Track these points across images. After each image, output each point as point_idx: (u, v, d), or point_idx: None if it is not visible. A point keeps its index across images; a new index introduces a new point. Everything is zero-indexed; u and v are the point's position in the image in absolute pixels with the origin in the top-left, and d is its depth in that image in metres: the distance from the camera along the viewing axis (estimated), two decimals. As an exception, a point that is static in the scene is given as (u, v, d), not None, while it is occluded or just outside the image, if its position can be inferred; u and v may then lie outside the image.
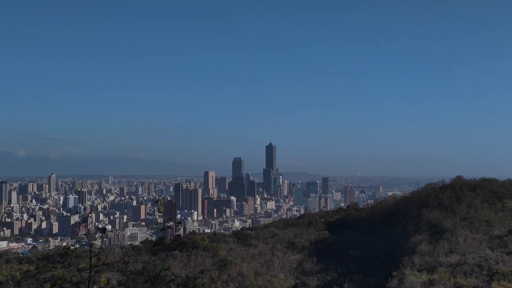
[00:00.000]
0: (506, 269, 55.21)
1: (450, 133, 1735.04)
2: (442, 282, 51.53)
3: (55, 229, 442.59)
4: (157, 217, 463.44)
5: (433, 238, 75.75)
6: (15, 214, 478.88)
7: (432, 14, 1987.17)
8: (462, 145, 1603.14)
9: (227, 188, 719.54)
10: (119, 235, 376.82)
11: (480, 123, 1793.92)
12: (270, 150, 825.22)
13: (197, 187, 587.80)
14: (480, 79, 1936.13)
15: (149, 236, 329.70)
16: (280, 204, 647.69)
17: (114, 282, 42.90)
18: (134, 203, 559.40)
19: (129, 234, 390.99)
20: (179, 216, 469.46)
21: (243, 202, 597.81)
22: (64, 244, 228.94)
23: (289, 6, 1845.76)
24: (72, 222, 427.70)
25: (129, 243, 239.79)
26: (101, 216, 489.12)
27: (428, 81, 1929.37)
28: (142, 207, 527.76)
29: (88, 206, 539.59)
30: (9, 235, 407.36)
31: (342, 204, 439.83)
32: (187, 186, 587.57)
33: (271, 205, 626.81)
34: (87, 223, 14.93)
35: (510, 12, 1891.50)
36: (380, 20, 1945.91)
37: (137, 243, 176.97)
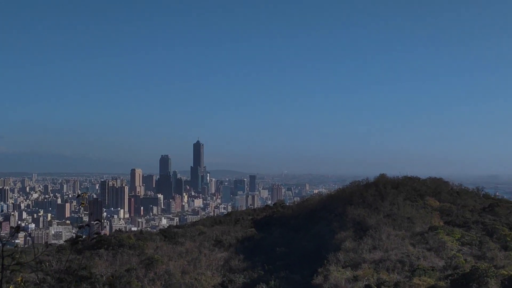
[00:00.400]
0: (426, 264, 56.88)
1: (373, 131, 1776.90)
2: (366, 278, 52.52)
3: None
4: (82, 215, 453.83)
5: (357, 235, 77.20)
6: None
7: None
8: (384, 143, 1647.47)
9: (154, 185, 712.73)
10: (44, 234, 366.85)
11: (403, 121, 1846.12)
12: (197, 148, 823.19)
13: (123, 185, 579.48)
14: (393, 77, 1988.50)
15: (73, 235, 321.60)
16: (208, 201, 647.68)
17: (33, 281, 41.34)
18: (59, 201, 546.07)
19: (53, 232, 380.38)
20: (105, 214, 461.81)
21: (170, 200, 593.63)
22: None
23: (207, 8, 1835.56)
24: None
25: (53, 242, 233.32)
26: (24, 215, 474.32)
27: (349, 77, 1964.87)
28: (67, 205, 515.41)
29: (10, 204, 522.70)
30: None
31: (269, 202, 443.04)
32: (113, 184, 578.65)
33: (198, 203, 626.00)
34: (9, 221, 14.15)
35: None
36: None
37: (61, 241, 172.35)
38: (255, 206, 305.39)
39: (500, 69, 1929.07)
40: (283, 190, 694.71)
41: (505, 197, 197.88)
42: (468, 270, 47.35)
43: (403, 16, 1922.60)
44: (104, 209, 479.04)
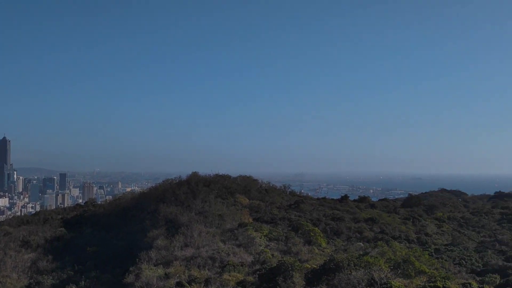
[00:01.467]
0: (236, 260, 58.27)
1: (184, 129, 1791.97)
2: (177, 275, 52.47)
3: None
4: None
5: (169, 232, 77.06)
6: None
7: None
8: (197, 141, 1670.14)
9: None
10: None
11: (213, 118, 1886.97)
12: (3, 144, 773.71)
13: None
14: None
15: None
16: (14, 201, 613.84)
17: None
18: None
19: None
20: None
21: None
22: None
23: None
24: None
25: None
26: None
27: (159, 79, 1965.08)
28: None
29: None
30: None
31: (80, 201, 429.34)
32: None
33: (4, 202, 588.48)
34: None
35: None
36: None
37: None
38: (66, 205, 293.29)
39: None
40: (95, 189, 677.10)
41: (309, 194, 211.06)
42: (275, 265, 49.16)
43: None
44: None
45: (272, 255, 61.93)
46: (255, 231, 75.77)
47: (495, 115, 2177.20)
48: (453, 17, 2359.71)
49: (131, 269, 60.87)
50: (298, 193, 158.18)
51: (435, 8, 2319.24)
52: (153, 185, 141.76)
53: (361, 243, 78.69)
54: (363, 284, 39.42)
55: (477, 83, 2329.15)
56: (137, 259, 64.81)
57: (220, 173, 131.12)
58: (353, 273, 42.05)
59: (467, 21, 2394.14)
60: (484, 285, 46.09)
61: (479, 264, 79.30)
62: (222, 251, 63.15)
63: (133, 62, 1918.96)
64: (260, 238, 72.52)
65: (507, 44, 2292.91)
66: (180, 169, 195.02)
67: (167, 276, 53.21)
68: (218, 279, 49.74)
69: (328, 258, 51.74)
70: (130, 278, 56.34)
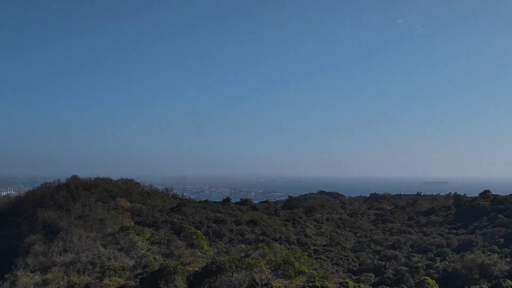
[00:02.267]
0: (117, 264, 57.45)
1: (73, 131, 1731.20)
2: (56, 281, 51.04)
3: None
4: None
5: (48, 237, 74.55)
6: None
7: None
8: (77, 143, 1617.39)
9: None
10: None
11: (107, 123, 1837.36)
12: None
13: None
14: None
15: None
16: None
17: None
18: None
19: None
20: None
21: None
22: None
23: None
24: None
25: None
26: None
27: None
28: None
29: None
30: None
31: None
32: None
33: None
34: None
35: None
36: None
37: None
38: None
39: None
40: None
41: (191, 197, 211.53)
42: (157, 268, 49.07)
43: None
44: None
45: (154, 258, 61.76)
46: (137, 234, 75.08)
47: (361, 116, 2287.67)
48: (314, 19, 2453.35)
49: (6, 276, 58.25)
50: (180, 196, 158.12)
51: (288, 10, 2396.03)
52: (31, 189, 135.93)
53: (242, 245, 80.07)
54: (244, 285, 40.40)
55: (345, 82, 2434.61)
56: (13, 266, 62.19)
57: (101, 176, 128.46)
58: (234, 275, 42.93)
59: (331, 22, 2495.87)
60: (360, 284, 48.68)
61: (356, 264, 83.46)
62: (103, 255, 62.05)
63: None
64: (142, 241, 72.00)
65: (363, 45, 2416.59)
66: (60, 172, 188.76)
67: (44, 282, 51.60)
68: (99, 284, 48.94)
69: (210, 260, 52.41)
70: (5, 286, 54.05)
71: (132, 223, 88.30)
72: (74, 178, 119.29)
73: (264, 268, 45.19)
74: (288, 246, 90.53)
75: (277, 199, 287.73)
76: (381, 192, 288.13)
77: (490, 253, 76.94)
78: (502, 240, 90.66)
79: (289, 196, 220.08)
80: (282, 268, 50.57)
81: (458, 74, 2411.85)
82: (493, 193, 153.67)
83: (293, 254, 67.20)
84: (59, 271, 55.64)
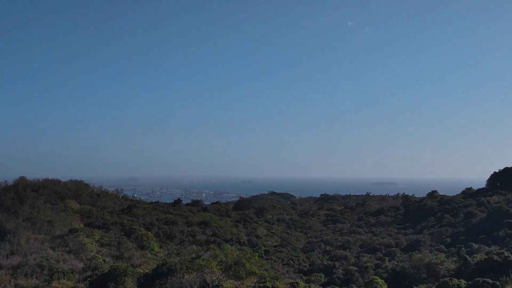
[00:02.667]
0: (66, 267, 56.72)
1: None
2: (3, 284, 50.04)
3: None
4: None
5: (-6, 241, 73.04)
6: None
7: None
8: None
9: None
10: None
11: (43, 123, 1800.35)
12: None
13: None
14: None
15: None
16: None
17: None
18: None
19: None
20: None
21: None
22: None
23: None
24: None
25: None
26: None
27: None
28: None
29: None
30: None
31: None
32: None
33: None
34: None
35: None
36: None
37: None
38: None
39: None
40: None
41: (142, 198, 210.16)
42: (107, 270, 48.67)
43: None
44: None
45: (104, 260, 61.23)
46: (87, 236, 74.18)
47: (310, 117, 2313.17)
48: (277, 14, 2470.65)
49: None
50: (131, 198, 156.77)
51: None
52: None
53: (194, 246, 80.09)
54: (195, 287, 40.53)
55: (294, 84, 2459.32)
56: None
57: (50, 178, 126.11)
58: (185, 276, 43.00)
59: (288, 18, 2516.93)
60: (310, 284, 49.41)
61: (306, 264, 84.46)
62: (51, 258, 61.13)
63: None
64: (92, 243, 71.19)
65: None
66: (7, 174, 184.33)
67: (-9, 286, 50.51)
68: (47, 287, 48.28)
69: (161, 262, 52.28)
70: None
71: (81, 225, 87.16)
72: (22, 179, 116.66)
73: (215, 269, 45.43)
74: (239, 247, 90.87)
75: (228, 200, 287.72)
76: (331, 193, 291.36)
77: (437, 252, 78.91)
78: (448, 240, 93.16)
79: (240, 197, 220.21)
80: (233, 269, 50.83)
81: (404, 75, 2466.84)
82: (440, 194, 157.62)
83: (244, 255, 67.54)
84: (6, 274, 54.53)
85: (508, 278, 49.36)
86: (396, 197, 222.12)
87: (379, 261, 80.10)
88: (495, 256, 58.87)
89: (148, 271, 49.62)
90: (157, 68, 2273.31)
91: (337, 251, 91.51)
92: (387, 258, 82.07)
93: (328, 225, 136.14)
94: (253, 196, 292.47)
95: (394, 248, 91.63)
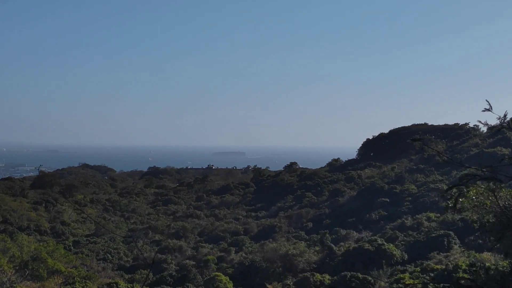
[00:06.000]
0: None
1: None
2: None
3: None
4: None
5: None
6: None
7: None
8: None
9: None
10: None
11: None
12: None
13: None
14: None
15: None
16: None
17: None
18: None
19: None
20: None
21: None
22: None
23: None
24: None
25: None
26: None
27: None
28: None
29: None
30: None
31: None
32: None
33: None
34: None
35: None
36: None
37: None
38: None
39: None
40: None
41: None
42: None
43: None
44: None
45: None
46: None
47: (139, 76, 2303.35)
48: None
49: None
50: None
51: None
52: None
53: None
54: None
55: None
56: None
57: None
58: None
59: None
60: (134, 284, 49.14)
61: (129, 259, 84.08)
62: None
63: None
64: None
65: None
66: None
67: None
68: None
69: None
70: None
71: None
72: None
73: (6, 268, 43.84)
74: (39, 237, 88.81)
75: (25, 175, 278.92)
76: (162, 166, 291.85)
77: (296, 240, 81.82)
78: (310, 224, 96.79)
79: (41, 172, 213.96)
80: (30, 266, 49.43)
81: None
82: (300, 167, 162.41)
83: (45, 247, 65.82)
84: None
85: (381, 271, 51.93)
86: (246, 170, 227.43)
87: (223, 253, 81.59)
88: (366, 244, 62.14)
89: None
90: None
91: (169, 240, 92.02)
92: (233, 249, 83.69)
93: (158, 207, 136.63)
94: (58, 170, 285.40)
95: (242, 236, 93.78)
